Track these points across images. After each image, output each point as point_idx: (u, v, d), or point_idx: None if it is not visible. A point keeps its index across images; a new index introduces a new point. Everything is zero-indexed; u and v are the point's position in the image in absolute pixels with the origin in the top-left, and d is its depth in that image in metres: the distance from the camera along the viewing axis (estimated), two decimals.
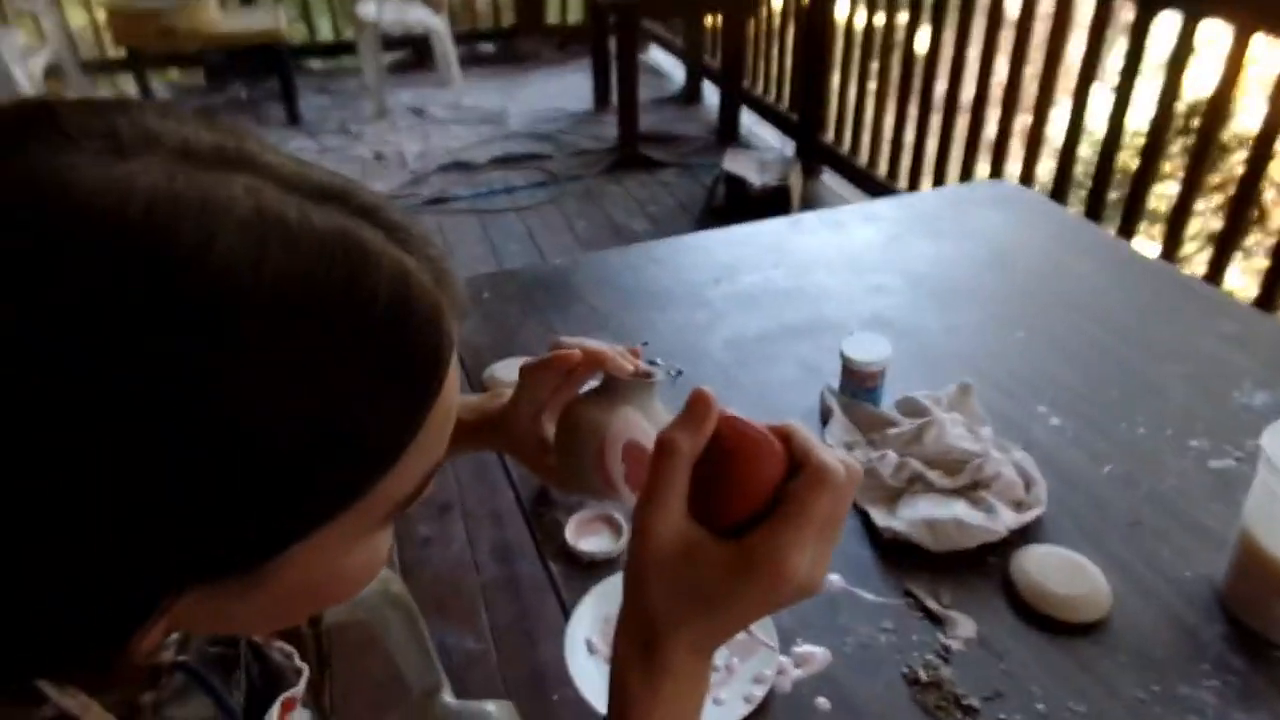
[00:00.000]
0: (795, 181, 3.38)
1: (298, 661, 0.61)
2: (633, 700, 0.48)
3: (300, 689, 0.59)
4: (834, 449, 0.49)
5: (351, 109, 4.76)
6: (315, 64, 5.48)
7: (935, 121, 2.97)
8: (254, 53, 4.71)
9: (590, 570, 0.89)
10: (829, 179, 3.75)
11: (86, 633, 0.36)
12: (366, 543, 0.43)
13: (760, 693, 0.76)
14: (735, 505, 0.46)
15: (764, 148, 4.11)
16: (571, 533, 0.91)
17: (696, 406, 0.47)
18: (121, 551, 0.34)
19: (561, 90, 4.98)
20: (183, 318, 0.32)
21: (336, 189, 0.38)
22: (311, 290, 0.34)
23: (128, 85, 4.72)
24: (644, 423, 0.65)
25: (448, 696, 1.14)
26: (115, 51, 4.66)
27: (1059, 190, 2.48)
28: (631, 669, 0.48)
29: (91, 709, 0.42)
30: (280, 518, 0.36)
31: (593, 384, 0.70)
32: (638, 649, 0.48)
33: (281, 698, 0.57)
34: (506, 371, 1.15)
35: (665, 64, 5.27)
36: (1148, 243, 2.86)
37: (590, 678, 0.79)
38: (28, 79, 3.78)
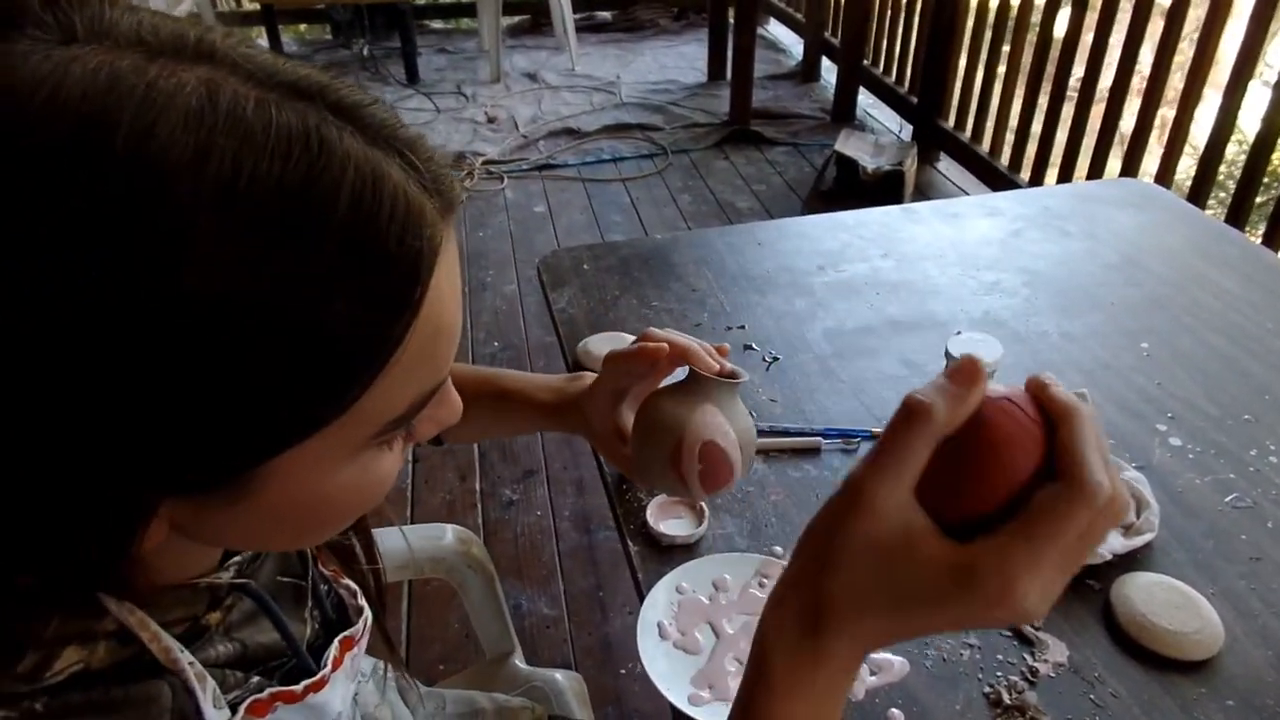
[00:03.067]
0: (910, 167, 3.26)
1: (360, 600, 0.62)
2: (778, 680, 0.43)
3: (359, 629, 0.60)
4: (1110, 467, 0.39)
5: (468, 71, 4.83)
6: (436, 24, 5.58)
7: (1067, 111, 2.81)
8: (379, 9, 4.83)
9: (668, 553, 0.88)
10: (946, 166, 3.61)
11: (81, 534, 0.37)
12: (356, 463, 0.41)
13: None
14: (974, 502, 0.40)
15: (880, 130, 3.98)
16: (652, 514, 0.90)
17: (964, 374, 0.40)
18: (96, 454, 0.34)
19: (676, 61, 4.93)
20: (121, 211, 0.31)
21: (313, 86, 0.36)
22: (262, 186, 0.33)
23: (260, 38, 4.91)
24: (724, 423, 0.64)
25: (518, 661, 1.16)
26: (250, 5, 4.85)
27: (1198, 192, 2.32)
28: (783, 645, 0.43)
29: (149, 624, 0.43)
30: (252, 427, 0.36)
31: (678, 376, 0.69)
32: (799, 626, 0.42)
33: (340, 636, 0.58)
34: (600, 345, 1.14)
35: (784, 38, 5.16)
36: None
37: (659, 661, 0.78)
38: None
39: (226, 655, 0.49)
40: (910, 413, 0.39)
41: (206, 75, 0.34)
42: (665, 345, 0.68)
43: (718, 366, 0.68)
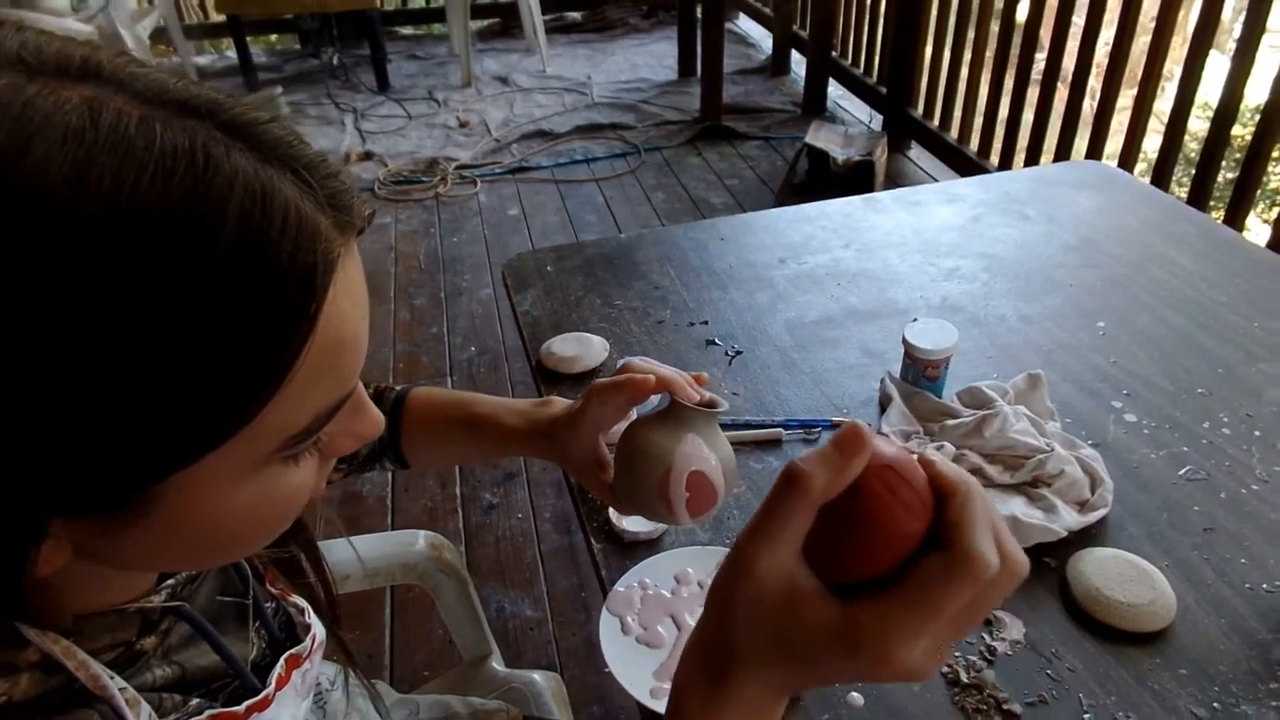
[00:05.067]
0: (880, 157, 3.28)
1: (308, 618, 0.62)
2: None
3: (306, 646, 0.60)
4: (1004, 539, 0.40)
5: (439, 76, 4.82)
6: (406, 30, 5.57)
7: (1032, 95, 2.83)
8: (347, 18, 4.82)
9: (631, 550, 0.89)
10: (917, 155, 3.63)
11: None
12: (260, 478, 0.41)
13: None
14: (856, 568, 0.41)
15: (850, 121, 4.00)
16: (614, 512, 0.91)
17: (846, 445, 0.40)
18: None
19: (647, 59, 4.94)
20: None
21: (203, 104, 0.36)
22: (144, 206, 0.32)
23: (228, 49, 4.89)
24: (707, 451, 0.66)
25: (496, 664, 1.17)
26: (217, 17, 4.82)
27: (1164, 168, 2.34)
28: (694, 693, 0.45)
29: (75, 653, 0.43)
30: (144, 444, 0.35)
31: (650, 404, 0.70)
32: (707, 675, 0.44)
33: (286, 654, 0.58)
34: (563, 346, 1.15)
35: (754, 32, 5.17)
36: (1263, 228, 2.68)
37: (624, 657, 0.79)
38: (135, 42, 3.95)
39: (164, 679, 0.49)
40: (790, 481, 0.40)
41: (90, 94, 0.34)
42: (652, 377, 0.69)
43: (698, 397, 0.69)
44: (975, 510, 0.40)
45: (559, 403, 0.77)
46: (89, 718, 0.42)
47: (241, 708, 0.51)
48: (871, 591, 0.40)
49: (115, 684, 0.44)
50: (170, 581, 0.51)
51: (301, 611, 0.62)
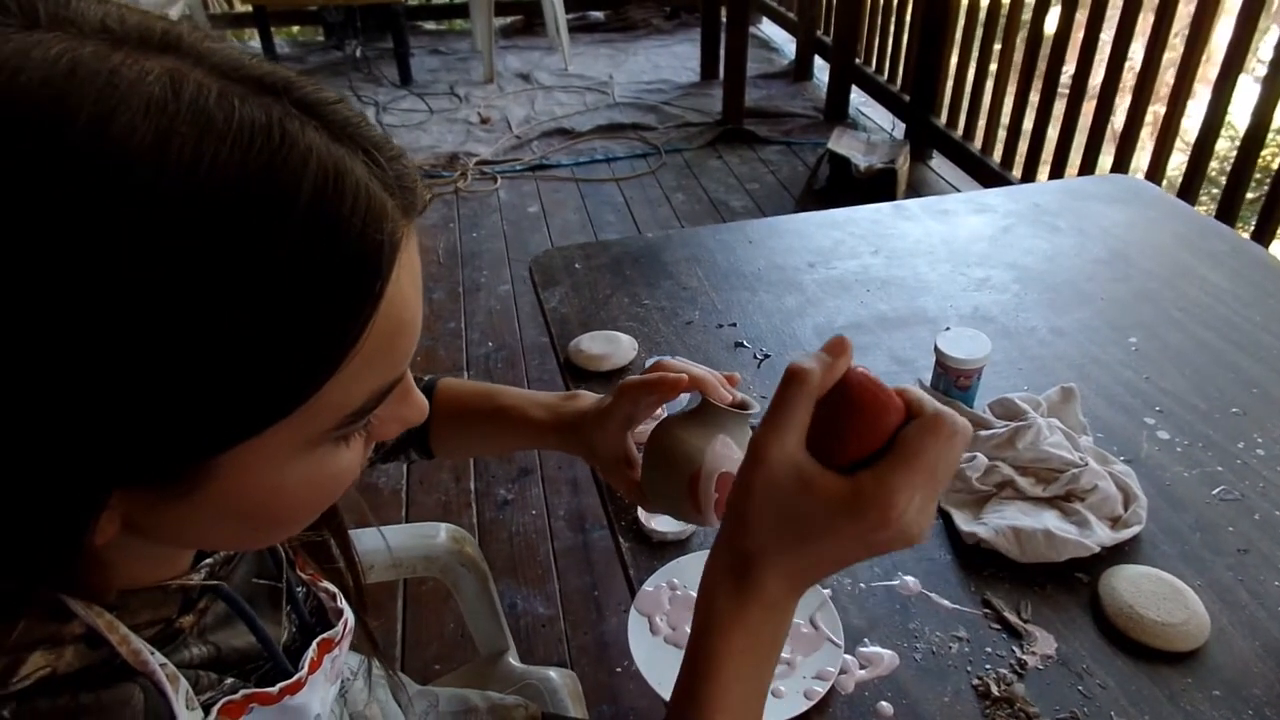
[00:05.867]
0: (903, 165, 3.27)
1: (340, 603, 0.62)
2: (717, 620, 0.49)
3: (339, 631, 0.60)
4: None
5: (461, 71, 4.83)
6: (429, 25, 5.58)
7: (1058, 108, 2.82)
8: (371, 11, 4.83)
9: (660, 550, 0.89)
10: (939, 164, 3.62)
11: (31, 527, 0.36)
12: (313, 457, 0.41)
13: (821, 689, 0.74)
14: (852, 446, 0.47)
15: (872, 129, 3.99)
16: (644, 511, 0.91)
17: (833, 347, 0.48)
18: (46, 441, 0.34)
19: (669, 60, 4.94)
20: (77, 196, 0.31)
21: (278, 82, 0.36)
22: (222, 178, 0.33)
23: (252, 40, 4.91)
24: (737, 453, 0.66)
25: (513, 660, 1.16)
26: (242, 6, 4.84)
27: (1189, 187, 2.33)
28: (721, 590, 0.49)
29: (118, 627, 0.43)
30: (208, 417, 0.35)
31: (680, 403, 0.70)
32: (731, 571, 0.49)
33: (319, 638, 0.58)
34: (591, 344, 1.14)
35: (777, 37, 5.16)
36: None
37: (652, 657, 0.78)
38: None
39: (200, 658, 0.49)
40: (791, 377, 0.47)
41: (171, 66, 0.34)
42: (685, 376, 0.69)
43: (730, 398, 0.68)
44: (928, 396, 0.48)
45: (586, 397, 0.77)
46: (131, 691, 0.42)
47: (275, 689, 0.51)
48: (867, 464, 0.47)
49: (155, 659, 0.44)
50: (208, 561, 0.51)
51: (333, 597, 0.62)
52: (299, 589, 0.61)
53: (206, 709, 0.46)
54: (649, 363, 0.72)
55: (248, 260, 0.33)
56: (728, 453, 0.66)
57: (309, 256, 0.35)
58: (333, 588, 0.63)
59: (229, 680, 0.50)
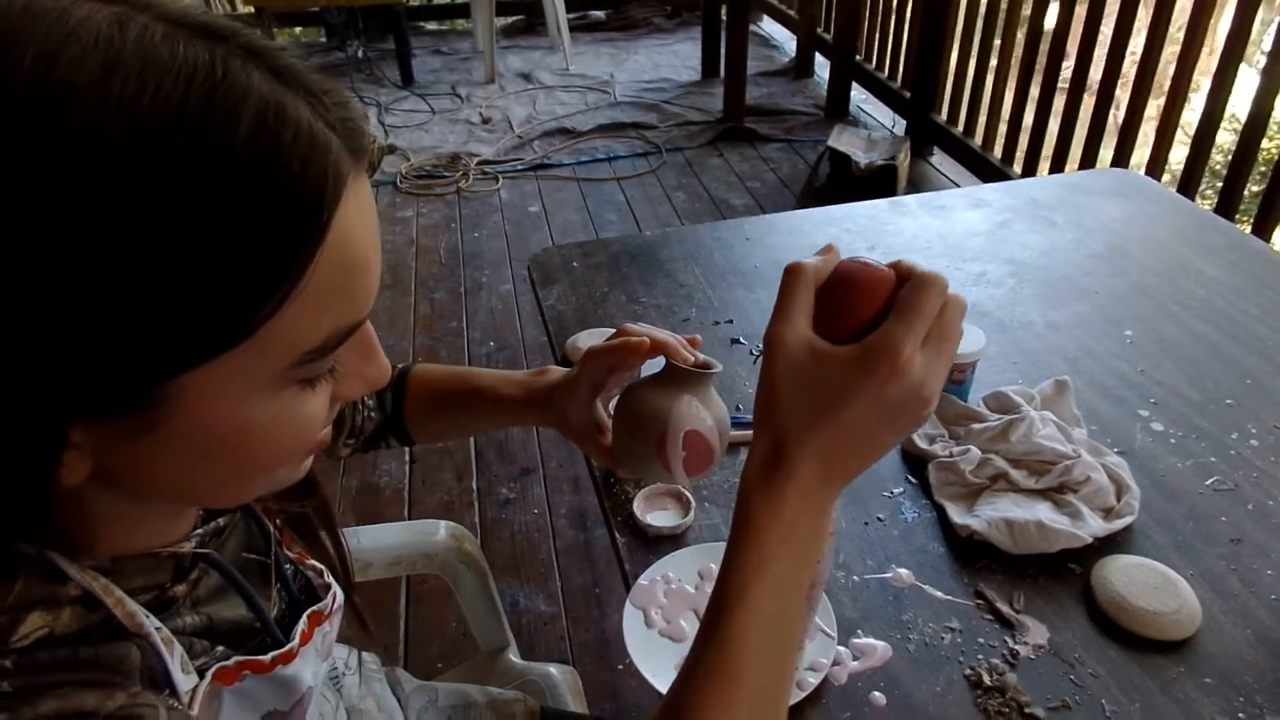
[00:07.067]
0: (903, 162, 3.27)
1: (327, 578, 0.63)
2: (753, 515, 0.49)
3: (328, 604, 0.61)
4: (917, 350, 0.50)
5: (462, 71, 4.84)
6: (430, 25, 5.60)
7: (1058, 103, 2.82)
8: (373, 12, 4.85)
9: (655, 544, 0.89)
10: (939, 161, 3.62)
11: None
12: (278, 398, 0.42)
13: (814, 680, 0.75)
14: (852, 318, 0.50)
15: (873, 125, 3.99)
16: (639, 506, 0.92)
17: (824, 248, 0.53)
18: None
19: (670, 59, 4.94)
20: (22, 126, 0.33)
21: (224, 28, 0.38)
22: (164, 110, 0.34)
23: None
24: (703, 411, 0.67)
25: (513, 656, 1.17)
26: (244, 8, 4.86)
27: (1190, 179, 2.33)
28: (755, 486, 0.50)
29: (113, 590, 0.44)
30: (152, 339, 0.36)
31: (650, 369, 0.71)
32: (764, 463, 0.50)
33: (309, 610, 0.59)
34: (588, 340, 1.15)
35: (778, 35, 5.16)
36: None
37: (647, 651, 0.79)
38: None
39: (193, 626, 0.50)
40: (790, 271, 0.51)
41: (120, 10, 0.36)
42: (646, 340, 0.70)
43: (692, 359, 0.70)
44: (920, 262, 0.50)
45: (556, 371, 0.78)
46: (128, 649, 0.43)
47: (268, 657, 0.52)
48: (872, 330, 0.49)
49: (151, 623, 0.45)
50: (199, 531, 0.52)
51: (320, 573, 0.63)
52: (287, 565, 0.62)
53: (200, 674, 0.47)
54: (614, 330, 0.73)
55: (187, 189, 0.35)
56: (693, 411, 0.67)
57: (249, 187, 0.36)
58: (319, 565, 0.64)
59: (220, 648, 0.50)
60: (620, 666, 1.70)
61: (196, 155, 0.35)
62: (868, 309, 0.50)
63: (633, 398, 0.69)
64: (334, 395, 0.48)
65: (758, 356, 1.15)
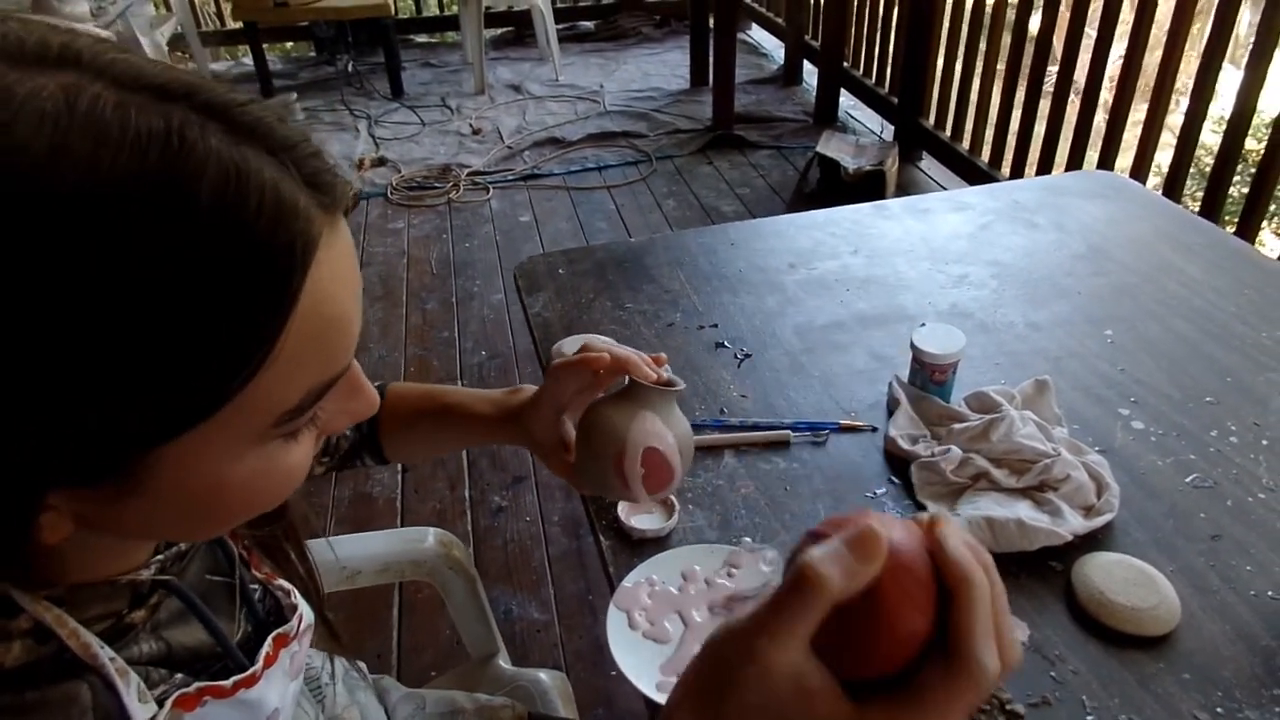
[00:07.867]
0: (891, 167, 3.29)
1: (295, 598, 0.63)
2: None
3: (294, 626, 0.60)
4: (1005, 637, 0.40)
5: (452, 83, 4.86)
6: (420, 38, 5.61)
7: (1044, 107, 2.84)
8: (362, 25, 4.86)
9: (639, 547, 0.90)
10: (928, 165, 3.64)
11: None
12: (261, 453, 0.42)
13: None
14: (866, 666, 0.40)
15: (861, 131, 4.01)
16: (624, 510, 0.92)
17: (863, 549, 0.38)
18: None
19: (659, 68, 4.96)
20: None
21: (180, 88, 0.36)
22: (119, 185, 0.33)
23: (244, 56, 4.94)
24: (664, 429, 0.67)
25: (503, 662, 1.17)
26: (233, 24, 4.88)
27: (1176, 180, 2.34)
28: None
29: (66, 621, 0.43)
30: (129, 417, 0.36)
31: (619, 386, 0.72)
32: None
33: (273, 634, 0.58)
34: (573, 347, 1.15)
35: (766, 42, 5.19)
36: (1277, 242, 2.67)
37: (629, 652, 0.79)
38: (153, 47, 3.99)
39: (151, 654, 0.49)
40: (805, 581, 0.38)
41: (68, 81, 0.34)
42: (606, 356, 0.70)
43: (655, 376, 0.70)
44: (978, 613, 0.38)
45: (529, 389, 0.78)
46: (78, 689, 0.43)
47: (229, 682, 0.52)
48: (879, 691, 0.39)
49: (105, 653, 0.44)
50: (160, 557, 0.51)
51: (288, 594, 0.63)
52: (254, 587, 0.61)
53: (160, 703, 0.46)
54: (580, 345, 0.73)
55: (147, 265, 0.34)
56: (653, 428, 0.67)
57: (213, 259, 0.35)
58: (288, 585, 0.63)
59: (179, 675, 0.50)
60: (614, 673, 1.70)
61: (155, 231, 0.34)
62: (888, 663, 0.39)
63: (593, 415, 0.69)
64: (320, 431, 0.47)
65: (742, 360, 1.16)
